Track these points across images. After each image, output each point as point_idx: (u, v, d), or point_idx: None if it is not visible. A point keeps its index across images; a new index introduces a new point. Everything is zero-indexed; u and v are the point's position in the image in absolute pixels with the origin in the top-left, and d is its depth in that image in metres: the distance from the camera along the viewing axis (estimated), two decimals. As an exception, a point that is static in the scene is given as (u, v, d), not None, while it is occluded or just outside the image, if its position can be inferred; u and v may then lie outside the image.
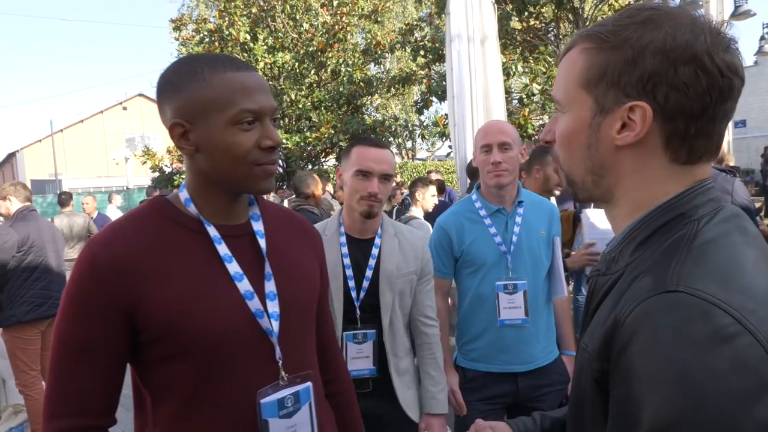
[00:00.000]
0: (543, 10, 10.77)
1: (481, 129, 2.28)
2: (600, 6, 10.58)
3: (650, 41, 0.74)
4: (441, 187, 7.33)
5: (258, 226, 1.18)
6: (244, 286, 1.11)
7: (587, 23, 10.48)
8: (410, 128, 20.26)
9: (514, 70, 9.27)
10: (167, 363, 1.06)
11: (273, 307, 1.13)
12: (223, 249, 1.11)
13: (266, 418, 1.10)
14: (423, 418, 2.03)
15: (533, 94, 9.52)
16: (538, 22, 11.00)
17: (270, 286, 1.14)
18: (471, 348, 2.26)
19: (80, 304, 1.04)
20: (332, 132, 12.46)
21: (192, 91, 1.05)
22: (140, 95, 40.45)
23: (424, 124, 12.29)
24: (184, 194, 1.14)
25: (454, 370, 2.31)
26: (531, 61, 10.35)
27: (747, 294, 0.65)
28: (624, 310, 0.69)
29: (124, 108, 40.05)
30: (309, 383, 1.17)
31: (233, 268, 1.11)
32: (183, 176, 13.77)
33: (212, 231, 1.11)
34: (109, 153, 31.47)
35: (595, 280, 0.85)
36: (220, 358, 1.07)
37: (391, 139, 15.38)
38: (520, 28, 10.92)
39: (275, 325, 1.12)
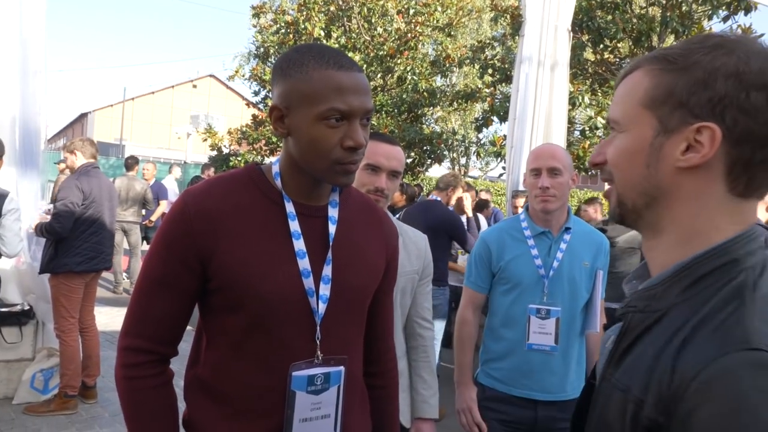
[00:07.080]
0: (619, 45, 10.58)
1: (533, 152, 2.27)
2: (680, 48, 10.30)
3: (722, 64, 0.73)
4: (484, 206, 7.25)
5: (333, 212, 1.24)
6: (304, 264, 1.18)
7: (664, 64, 10.21)
8: (467, 144, 20.17)
9: (580, 100, 9.11)
10: (223, 312, 1.18)
11: (324, 290, 1.19)
12: (294, 225, 1.19)
13: (294, 390, 1.16)
14: (413, 423, 1.99)
15: (597, 128, 9.34)
16: (612, 56, 10.80)
17: (327, 270, 1.20)
18: (495, 367, 2.24)
19: (166, 245, 1.17)
20: (389, 137, 12.51)
21: (294, 81, 1.12)
22: (211, 76, 41.72)
23: (481, 142, 12.20)
24: (275, 168, 1.22)
25: (472, 385, 2.29)
26: (599, 94, 10.16)
27: None
28: (692, 363, 0.66)
29: (194, 86, 41.36)
30: (342, 367, 1.22)
31: (299, 245, 1.18)
32: (239, 158, 13.98)
33: (289, 207, 1.20)
34: (173, 126, 32.52)
35: (631, 317, 0.81)
36: (267, 321, 1.16)
37: (447, 152, 15.35)
38: (593, 59, 10.75)
39: (322, 307, 1.19)
